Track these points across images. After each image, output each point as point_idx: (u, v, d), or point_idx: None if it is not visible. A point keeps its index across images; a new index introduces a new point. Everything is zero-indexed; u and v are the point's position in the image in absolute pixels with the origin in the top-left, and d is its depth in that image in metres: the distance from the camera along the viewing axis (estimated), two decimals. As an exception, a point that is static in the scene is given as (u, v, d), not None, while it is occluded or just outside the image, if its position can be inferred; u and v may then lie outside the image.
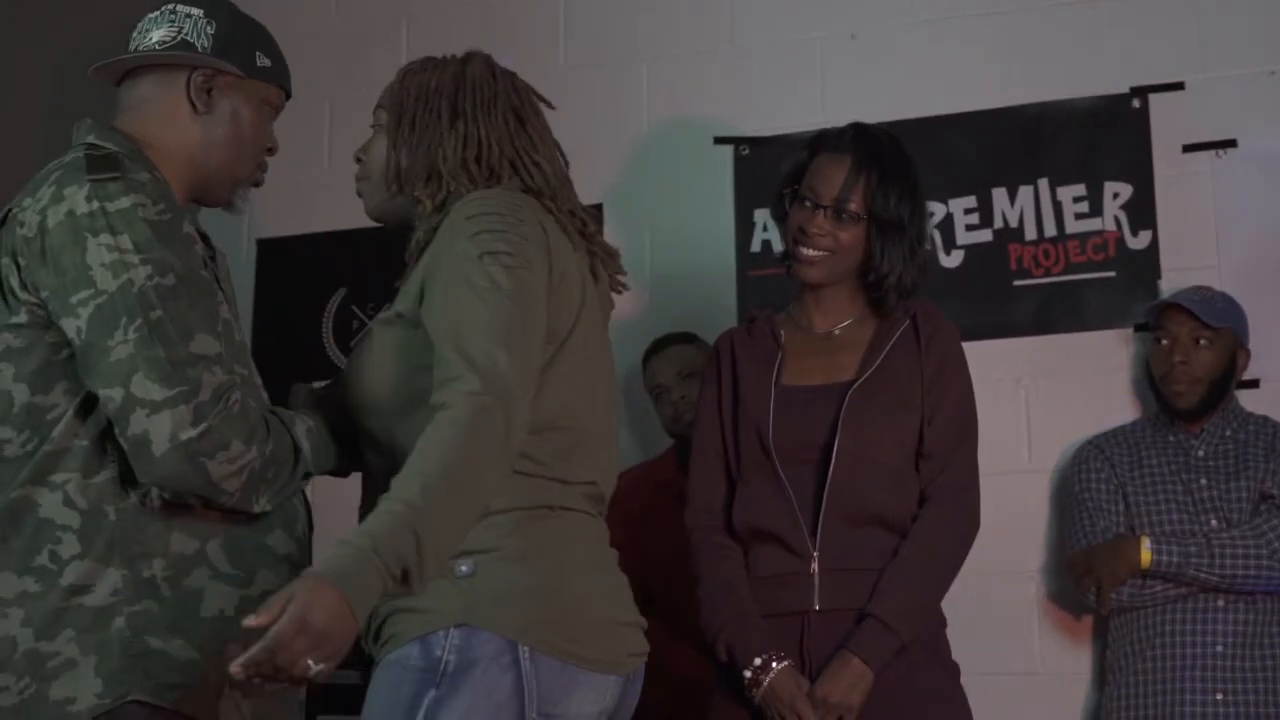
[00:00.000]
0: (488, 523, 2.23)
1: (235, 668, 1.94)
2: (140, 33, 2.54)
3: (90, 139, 2.45)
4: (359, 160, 2.59)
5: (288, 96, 2.65)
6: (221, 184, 2.56)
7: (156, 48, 2.52)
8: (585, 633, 2.28)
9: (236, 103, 2.55)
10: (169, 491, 2.29)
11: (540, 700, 2.22)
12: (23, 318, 2.34)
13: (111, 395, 2.25)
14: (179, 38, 2.52)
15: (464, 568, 2.23)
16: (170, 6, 2.55)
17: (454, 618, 2.21)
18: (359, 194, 2.59)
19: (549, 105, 2.61)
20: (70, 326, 2.28)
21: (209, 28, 2.52)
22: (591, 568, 2.35)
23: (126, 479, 2.30)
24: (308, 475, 2.42)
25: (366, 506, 2.32)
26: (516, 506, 2.28)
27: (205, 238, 2.52)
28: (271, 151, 2.62)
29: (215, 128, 2.53)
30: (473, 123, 2.47)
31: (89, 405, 2.30)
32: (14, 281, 2.34)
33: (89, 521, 2.30)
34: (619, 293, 2.58)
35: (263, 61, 2.57)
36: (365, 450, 2.44)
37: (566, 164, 2.58)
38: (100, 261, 2.27)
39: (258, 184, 2.63)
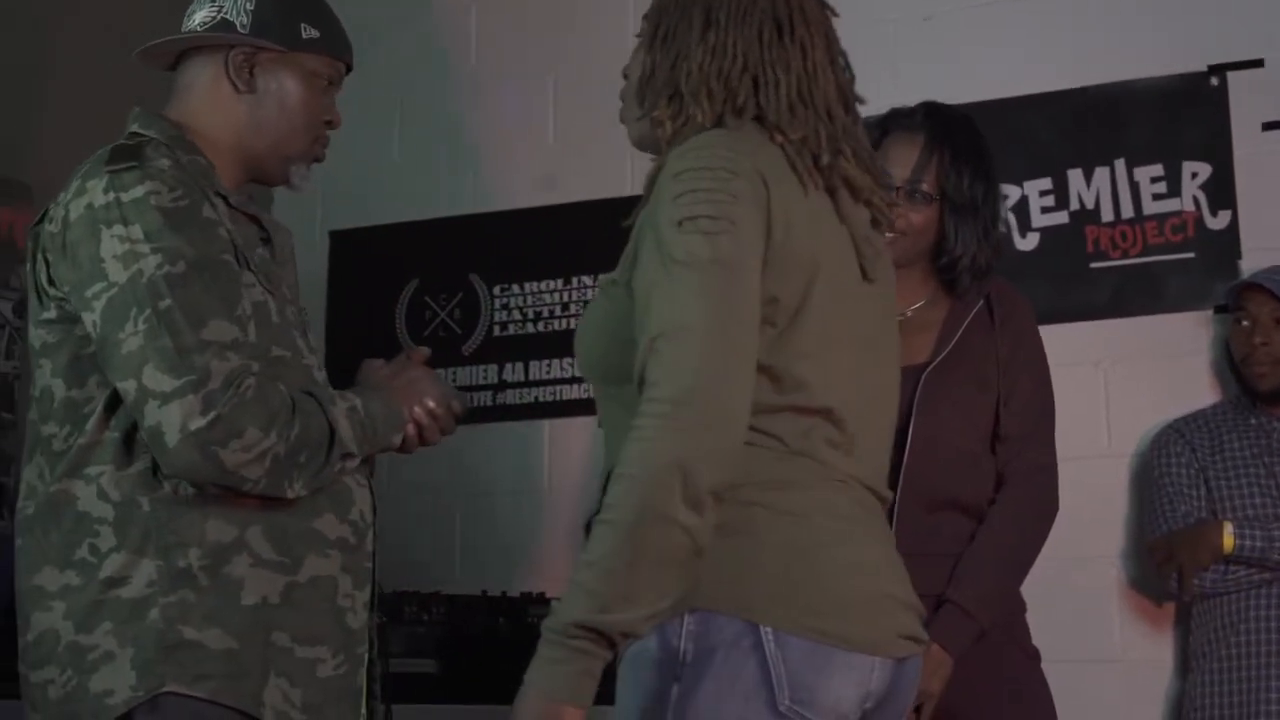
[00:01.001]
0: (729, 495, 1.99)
1: None
2: (188, 15, 2.54)
3: (135, 127, 2.45)
4: (626, 77, 2.31)
5: (348, 68, 2.61)
6: (274, 163, 2.53)
7: (198, 29, 2.51)
8: (837, 607, 2.01)
9: (282, 79, 2.51)
10: (188, 482, 2.27)
11: (792, 687, 1.97)
12: (53, 313, 2.35)
13: (127, 388, 2.25)
14: (219, 17, 2.50)
15: None
16: None
17: (689, 602, 1.97)
18: (621, 119, 2.32)
19: (833, 12, 2.27)
20: (88, 320, 2.29)
21: (249, 4, 2.50)
22: (845, 538, 2.06)
23: (159, 469, 2.28)
24: (349, 456, 2.38)
25: (608, 451, 2.17)
26: (750, 481, 2.02)
27: (258, 219, 2.50)
28: (332, 125, 2.58)
29: (261, 106, 2.50)
30: (723, 32, 2.17)
31: (117, 398, 2.29)
32: (44, 278, 2.35)
33: (123, 513, 2.29)
34: (884, 227, 2.22)
35: (309, 33, 2.52)
36: (600, 419, 2.22)
37: (851, 76, 2.25)
38: (113, 253, 2.27)
39: (318, 159, 2.59)
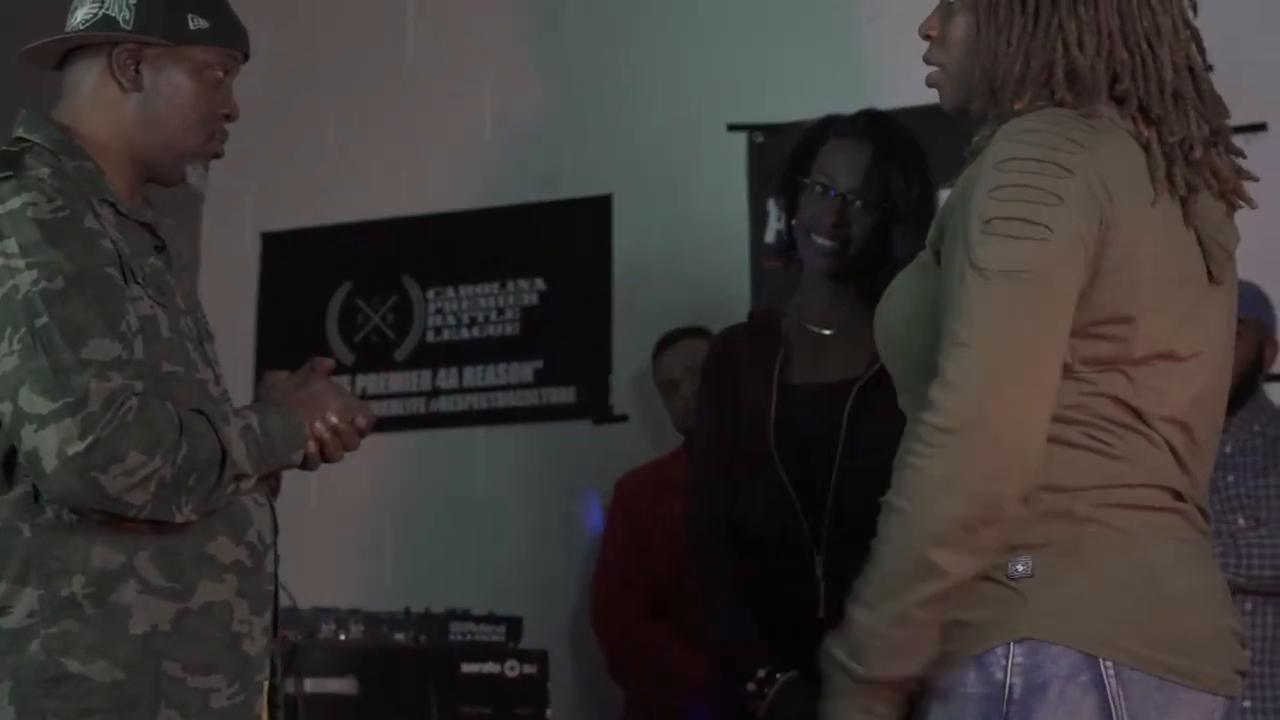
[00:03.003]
0: (1051, 507, 1.85)
1: None
2: (70, 13, 2.44)
3: (20, 132, 2.36)
4: (928, 38, 2.07)
5: (245, 57, 2.51)
6: (168, 162, 2.43)
7: (80, 27, 2.40)
8: (1182, 639, 1.85)
9: (170, 74, 2.40)
10: (68, 508, 2.18)
11: None
12: None
13: (2, 411, 2.16)
14: (100, 13, 2.39)
15: (1019, 566, 1.84)
16: None
17: (1014, 631, 1.83)
18: (929, 82, 2.07)
19: None
20: None
21: None
22: (1184, 561, 1.89)
23: (40, 494, 2.19)
24: (243, 477, 2.28)
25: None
26: (1088, 486, 1.87)
27: (151, 226, 2.40)
28: (230, 117, 2.47)
29: (150, 104, 2.39)
30: (1092, 4, 1.93)
31: None
32: None
33: (2, 540, 2.20)
34: (1241, 207, 2.01)
35: (198, 24, 2.41)
36: (900, 403, 2.06)
37: (1195, 8, 2.02)
38: None
39: (217, 155, 2.48)
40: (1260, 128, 4.03)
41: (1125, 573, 1.85)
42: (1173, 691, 1.84)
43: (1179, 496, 1.92)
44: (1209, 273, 1.96)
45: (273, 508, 2.43)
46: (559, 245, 4.60)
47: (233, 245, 4.82)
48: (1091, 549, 1.85)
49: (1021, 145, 1.88)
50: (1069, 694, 1.81)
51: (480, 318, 4.65)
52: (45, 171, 2.24)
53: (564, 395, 4.51)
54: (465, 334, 4.66)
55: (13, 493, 2.21)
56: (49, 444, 2.12)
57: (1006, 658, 1.83)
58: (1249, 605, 3.59)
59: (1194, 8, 2.02)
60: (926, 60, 2.07)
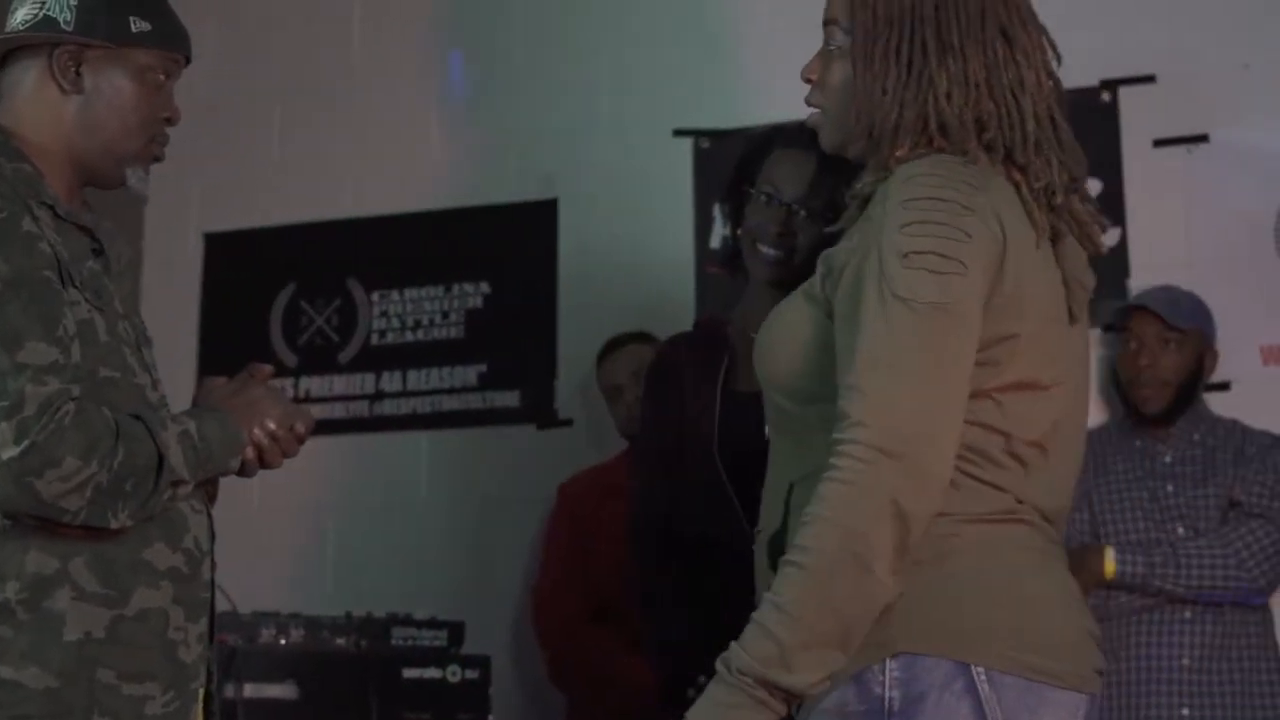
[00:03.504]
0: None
1: None
2: (10, 13, 2.41)
3: None
4: (810, 81, 2.18)
5: (187, 60, 2.49)
6: (107, 165, 2.40)
7: (20, 28, 2.38)
8: (1047, 642, 1.94)
9: (112, 76, 2.37)
10: (3, 514, 2.15)
11: None
12: None
13: None
14: (41, 14, 2.37)
15: None
16: None
17: (890, 647, 1.91)
18: (810, 123, 2.19)
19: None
20: None
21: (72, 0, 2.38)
22: (1044, 569, 2.00)
23: None
24: (180, 483, 2.26)
25: (770, 489, 2.13)
26: (949, 512, 1.94)
27: (90, 229, 2.38)
28: (171, 121, 2.45)
29: (90, 107, 2.37)
30: (961, 57, 2.04)
31: None
32: None
33: None
34: (1096, 253, 2.12)
35: (139, 26, 2.39)
36: (770, 426, 2.18)
37: (1059, 60, 2.16)
38: None
39: (157, 158, 2.46)
40: (1202, 139, 4.06)
41: (989, 582, 1.95)
42: (1041, 691, 1.92)
43: (1036, 514, 2.01)
44: (1070, 313, 2.08)
45: (210, 515, 2.41)
46: (504, 249, 4.58)
47: (175, 246, 4.79)
48: (956, 563, 1.94)
49: (922, 186, 1.98)
50: (945, 701, 1.90)
51: (425, 321, 4.63)
52: None
53: (508, 399, 4.50)
54: (409, 337, 4.64)
55: None
56: None
57: (884, 673, 1.91)
58: (1188, 614, 3.61)
59: (1057, 60, 2.16)
60: (808, 102, 2.19)
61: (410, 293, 4.65)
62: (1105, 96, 4.12)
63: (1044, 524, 2.03)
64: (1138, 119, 4.09)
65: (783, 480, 2.12)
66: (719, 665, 1.90)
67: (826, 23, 2.18)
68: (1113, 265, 4.03)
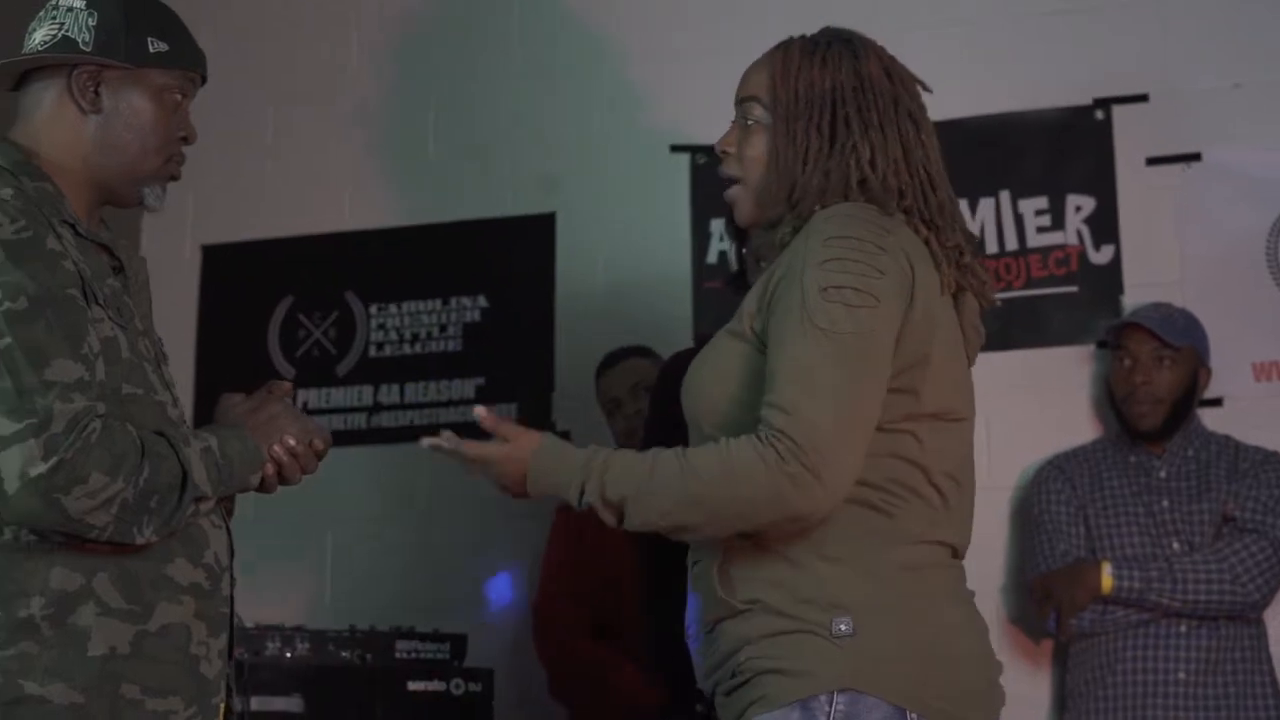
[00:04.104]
0: (856, 569, 2.15)
1: (427, 442, 2.28)
2: (29, 34, 2.43)
3: None
4: (724, 154, 2.38)
5: (203, 80, 2.51)
6: (126, 185, 2.41)
7: (39, 48, 2.39)
8: (967, 694, 2.17)
9: (130, 96, 2.39)
10: (30, 530, 2.17)
11: None
12: None
13: None
14: (60, 35, 2.38)
15: (843, 625, 2.13)
16: (53, 2, 2.42)
17: (837, 682, 2.11)
18: (728, 197, 2.38)
19: (926, 89, 2.40)
20: None
21: (90, 20, 2.38)
22: (970, 620, 2.24)
23: None
24: (203, 499, 2.28)
25: None
26: (883, 550, 2.17)
27: (109, 247, 2.40)
28: (187, 140, 2.46)
29: (109, 126, 2.38)
30: (881, 134, 2.28)
31: None
32: None
33: None
34: (989, 306, 2.37)
35: (157, 47, 2.40)
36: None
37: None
38: None
39: (174, 177, 2.47)
40: (1194, 157, 4.09)
41: (929, 635, 2.15)
42: None
43: (954, 553, 2.24)
44: (967, 356, 2.32)
45: (229, 530, 2.43)
46: (502, 262, 4.60)
47: (173, 257, 4.78)
48: (902, 611, 2.14)
49: (841, 225, 2.20)
50: None
51: (422, 334, 4.65)
52: (8, 192, 2.23)
53: (506, 412, 4.49)
54: (407, 350, 4.65)
55: None
56: (11, 465, 2.11)
57: (830, 704, 2.10)
58: (1183, 628, 3.65)
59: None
60: (723, 174, 2.38)
61: (408, 305, 4.66)
62: (1099, 115, 4.16)
63: (957, 563, 2.25)
64: (1131, 138, 4.13)
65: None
66: (594, 463, 2.18)
67: (743, 99, 2.38)
68: (1106, 283, 4.09)
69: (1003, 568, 4.04)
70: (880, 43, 2.41)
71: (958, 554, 2.25)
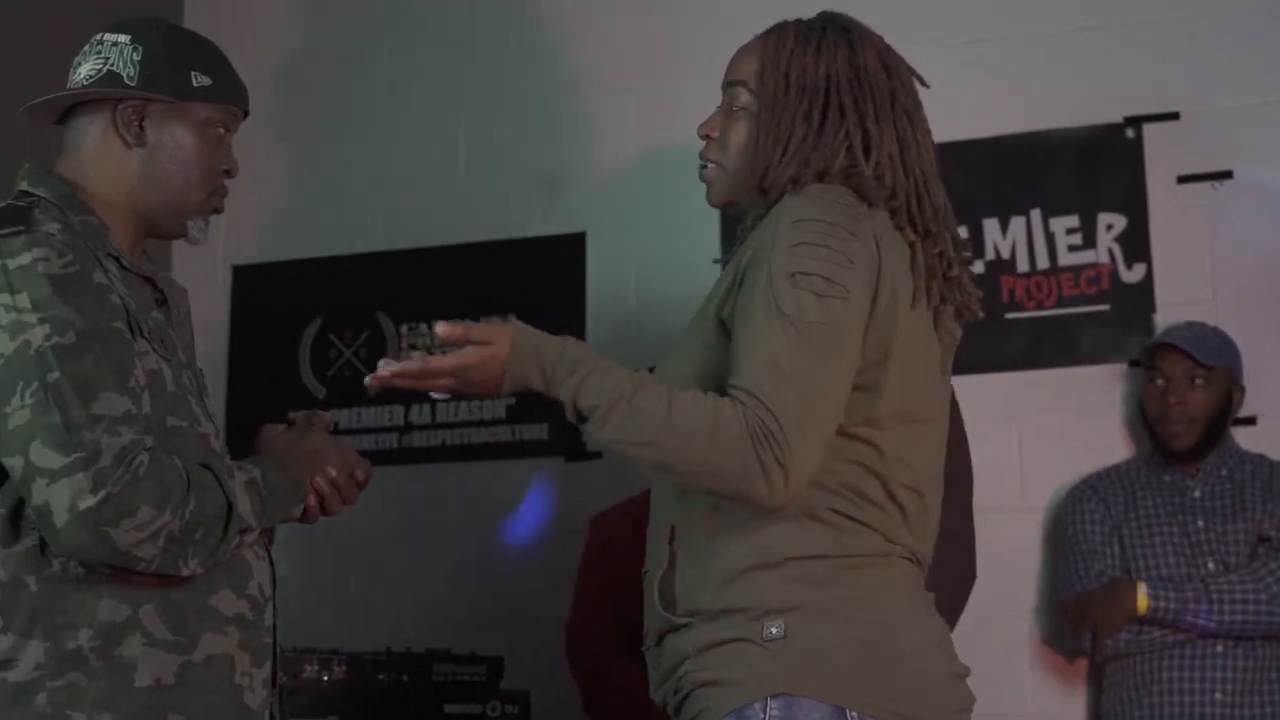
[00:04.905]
0: (797, 574, 2.08)
1: (384, 370, 2.13)
2: (74, 68, 2.45)
3: (24, 185, 2.36)
4: (708, 139, 2.31)
5: (245, 114, 2.53)
6: (170, 218, 2.44)
7: (84, 83, 2.41)
8: (916, 690, 2.08)
9: (174, 130, 2.41)
10: (78, 562, 2.18)
11: None
12: None
13: (13, 464, 2.16)
14: (105, 69, 2.40)
15: (773, 629, 2.07)
16: (98, 37, 2.44)
17: (770, 687, 2.05)
18: (703, 177, 2.31)
19: (923, 83, 2.30)
20: None
21: (135, 54, 2.40)
22: (917, 617, 2.14)
23: (47, 546, 2.19)
24: (247, 530, 2.29)
25: (653, 532, 2.25)
26: (827, 554, 2.09)
27: (152, 279, 2.41)
28: (230, 174, 2.49)
29: (153, 160, 2.40)
30: (877, 127, 2.19)
31: (3, 473, 2.20)
32: None
33: (8, 593, 2.20)
34: (967, 319, 2.30)
35: (200, 81, 2.42)
36: None
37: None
38: None
39: (217, 210, 2.49)
40: (1226, 175, 4.08)
41: (866, 632, 2.07)
42: None
43: (910, 557, 2.16)
44: (940, 362, 2.24)
45: (271, 560, 2.44)
46: (532, 282, 4.60)
47: (204, 277, 4.79)
48: (836, 611, 2.07)
49: (812, 207, 2.11)
50: None
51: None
52: (55, 227, 2.25)
53: (537, 432, 4.52)
54: (438, 369, 4.65)
55: (19, 545, 2.21)
56: (60, 499, 2.12)
57: (764, 711, 2.05)
58: (1220, 648, 3.63)
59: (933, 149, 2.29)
60: (702, 156, 2.30)
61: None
62: (1129, 133, 4.15)
63: (914, 567, 2.17)
64: (1162, 155, 4.12)
65: (663, 522, 2.23)
66: (572, 358, 2.11)
67: (732, 83, 2.30)
68: (1138, 301, 4.08)
69: (1036, 588, 4.03)
70: (915, 62, 2.33)
71: (916, 562, 2.18)
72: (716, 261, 2.26)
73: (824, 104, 2.19)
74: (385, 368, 2.17)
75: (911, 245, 2.15)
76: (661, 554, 2.19)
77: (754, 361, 2.04)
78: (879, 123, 2.19)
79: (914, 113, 2.24)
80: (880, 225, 2.13)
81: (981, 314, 2.32)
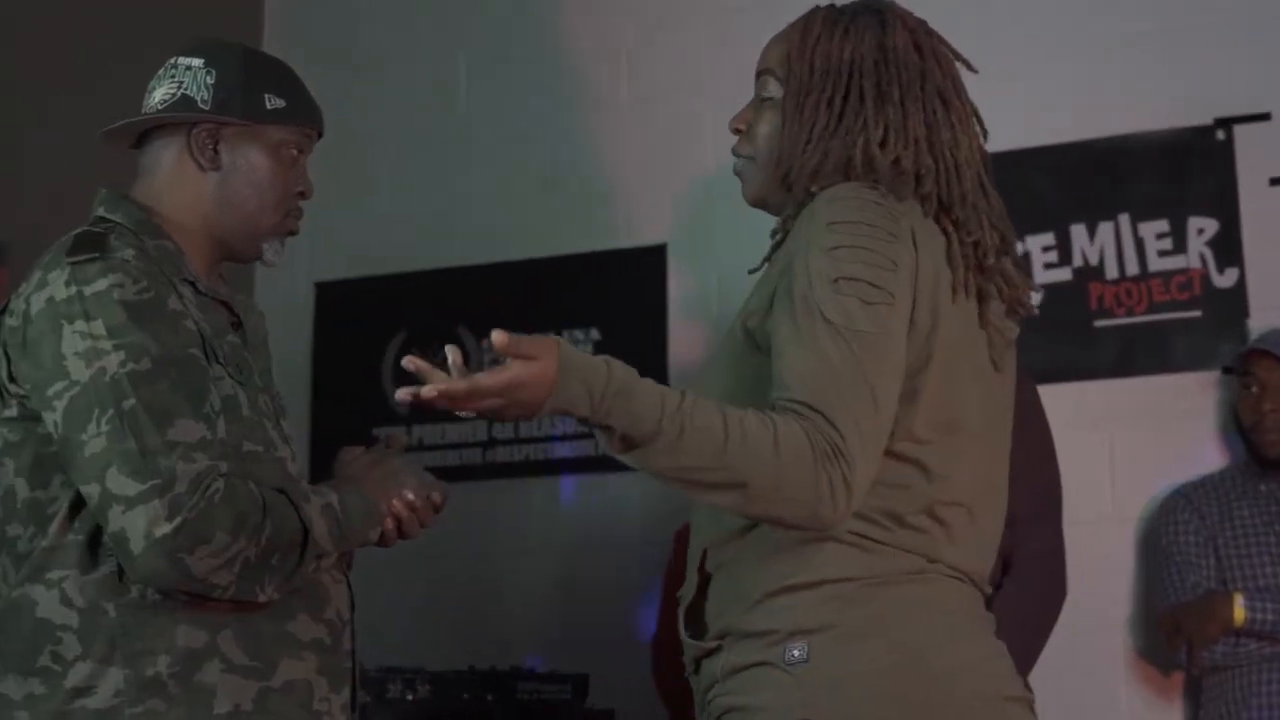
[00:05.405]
0: (824, 596, 1.97)
1: (429, 391, 1.93)
2: (148, 92, 2.45)
3: (100, 211, 2.37)
4: (738, 132, 2.22)
5: (319, 135, 2.52)
6: (244, 240, 2.43)
7: (158, 108, 2.41)
8: (951, 713, 1.95)
9: (249, 153, 2.41)
10: (155, 589, 2.18)
11: None
12: (14, 411, 2.26)
13: (90, 491, 2.16)
14: (179, 93, 2.40)
15: (796, 652, 1.96)
16: (172, 61, 2.44)
17: (794, 712, 1.95)
18: (736, 172, 2.23)
19: (970, 68, 2.17)
20: (49, 420, 2.20)
21: (209, 78, 2.40)
22: (955, 635, 2.00)
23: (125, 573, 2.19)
24: (323, 555, 2.28)
25: (690, 555, 2.15)
26: (855, 576, 1.97)
27: (228, 303, 2.41)
28: (304, 195, 2.48)
29: (228, 183, 2.40)
30: (900, 111, 2.07)
31: (82, 499, 2.20)
32: (4, 374, 2.26)
33: (88, 620, 2.20)
34: (1021, 315, 2.14)
35: (274, 104, 2.42)
36: None
37: (985, 134, 2.17)
38: (74, 350, 2.18)
39: (292, 232, 2.49)
40: (1317, 178, 4.01)
41: (891, 653, 1.94)
42: None
43: (956, 574, 2.02)
44: (993, 361, 2.09)
45: (349, 584, 2.43)
46: (614, 295, 4.59)
47: (287, 295, 4.82)
48: (861, 632, 1.95)
49: (848, 209, 1.99)
50: None
51: (536, 367, 4.63)
52: (130, 253, 2.25)
53: (621, 445, 4.50)
54: (521, 384, 4.64)
55: (98, 572, 2.21)
56: (137, 526, 2.12)
57: None
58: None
59: (984, 133, 2.16)
60: (735, 152, 2.22)
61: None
62: (1220, 135, 4.07)
63: (959, 581, 2.03)
64: (1253, 157, 4.04)
65: (698, 546, 2.14)
66: (613, 380, 1.90)
67: (761, 73, 2.20)
68: (1231, 307, 4.00)
69: (1130, 599, 3.97)
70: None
71: (966, 579, 2.04)
72: (752, 272, 2.16)
73: (845, 89, 2.09)
74: (407, 392, 1.98)
75: (946, 235, 2.04)
76: (691, 580, 2.13)
77: (805, 372, 1.92)
78: (904, 105, 2.07)
79: (950, 96, 2.11)
80: (916, 221, 2.02)
81: (1034, 310, 2.18)
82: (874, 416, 1.91)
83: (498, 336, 1.91)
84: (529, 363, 1.90)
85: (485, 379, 1.91)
